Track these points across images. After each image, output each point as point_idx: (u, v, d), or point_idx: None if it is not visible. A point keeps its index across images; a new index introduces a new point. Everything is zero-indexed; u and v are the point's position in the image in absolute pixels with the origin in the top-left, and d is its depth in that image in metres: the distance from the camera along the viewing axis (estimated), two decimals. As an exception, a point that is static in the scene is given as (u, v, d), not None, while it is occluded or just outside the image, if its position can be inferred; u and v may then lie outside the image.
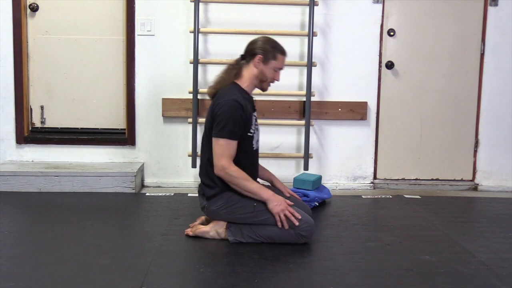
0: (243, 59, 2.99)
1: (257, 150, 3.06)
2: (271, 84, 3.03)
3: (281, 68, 3.00)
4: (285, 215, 2.81)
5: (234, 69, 2.99)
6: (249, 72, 2.97)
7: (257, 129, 3.05)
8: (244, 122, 2.87)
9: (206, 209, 2.96)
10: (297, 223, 2.80)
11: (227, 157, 2.81)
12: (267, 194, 2.84)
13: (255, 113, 3.03)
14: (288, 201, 2.87)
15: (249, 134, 2.93)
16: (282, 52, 2.99)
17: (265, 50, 2.93)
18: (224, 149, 2.81)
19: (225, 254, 2.74)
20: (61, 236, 2.97)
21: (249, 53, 2.97)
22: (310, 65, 4.01)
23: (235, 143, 2.84)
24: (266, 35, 3.11)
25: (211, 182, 2.92)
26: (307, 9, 4.04)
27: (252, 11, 4.09)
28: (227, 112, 2.81)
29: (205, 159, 2.97)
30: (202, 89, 4.07)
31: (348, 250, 2.86)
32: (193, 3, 3.94)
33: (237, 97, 2.86)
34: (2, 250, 2.72)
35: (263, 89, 3.04)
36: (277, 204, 2.81)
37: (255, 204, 2.85)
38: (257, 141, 3.04)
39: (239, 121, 2.83)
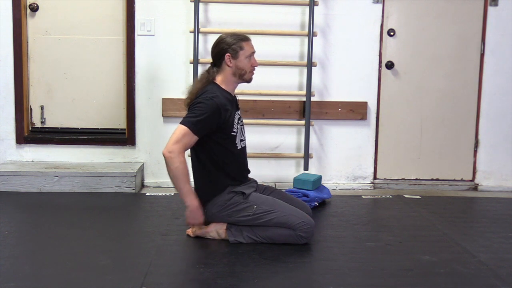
0: (214, 67, 2.97)
1: (243, 149, 3.04)
2: (253, 72, 2.99)
3: (253, 53, 2.96)
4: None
5: (206, 78, 2.96)
6: (225, 74, 2.94)
7: (242, 128, 3.03)
8: (215, 125, 2.83)
9: (206, 213, 2.96)
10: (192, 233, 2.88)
11: (182, 145, 2.75)
12: (190, 202, 2.79)
13: (238, 112, 3.02)
14: (200, 221, 2.85)
15: (232, 133, 2.92)
16: (244, 38, 2.95)
17: (229, 46, 2.91)
18: (182, 137, 2.75)
19: (225, 254, 2.74)
20: (61, 236, 2.97)
21: (217, 57, 2.94)
22: (310, 65, 4.01)
23: (194, 138, 2.78)
24: (229, 32, 3.07)
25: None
26: (307, 9, 4.04)
27: (252, 11, 4.09)
28: (203, 108, 2.78)
29: (196, 164, 2.96)
30: (202, 89, 4.08)
31: (348, 250, 2.86)
32: (193, 3, 3.94)
33: (218, 97, 2.83)
34: (2, 250, 2.72)
35: (247, 80, 2.99)
36: (193, 217, 2.81)
37: (255, 206, 2.85)
38: (242, 140, 3.02)
39: (209, 121, 2.79)
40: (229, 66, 2.92)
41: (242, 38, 2.94)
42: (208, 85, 2.92)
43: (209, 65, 3.02)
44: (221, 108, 2.82)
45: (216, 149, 2.89)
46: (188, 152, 2.92)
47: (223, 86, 2.94)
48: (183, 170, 2.75)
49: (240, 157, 3.01)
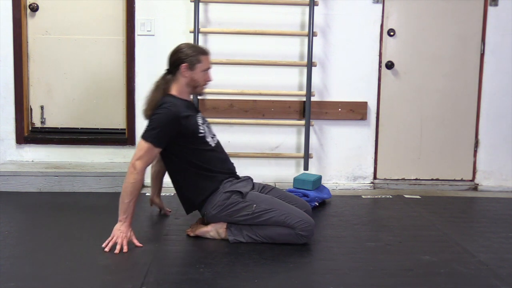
0: (169, 74, 2.99)
1: (218, 144, 3.07)
2: (205, 86, 3.04)
3: (209, 68, 3.00)
4: (117, 243, 2.74)
5: (163, 85, 2.99)
6: (179, 84, 2.97)
7: (208, 127, 3.06)
8: (176, 133, 2.86)
9: (205, 215, 2.96)
10: (123, 249, 2.72)
11: (144, 162, 2.82)
12: (122, 218, 2.79)
13: (199, 114, 3.05)
14: (127, 238, 2.77)
15: (199, 135, 2.94)
16: (204, 52, 2.99)
17: (188, 57, 2.93)
18: (144, 153, 2.81)
19: (225, 254, 2.74)
20: (61, 236, 2.97)
21: (173, 65, 2.97)
22: (310, 65, 4.01)
23: (157, 151, 2.85)
24: (189, 43, 3.10)
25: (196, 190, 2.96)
26: (307, 9, 4.04)
27: (252, 11, 4.09)
28: (160, 119, 2.83)
29: (176, 174, 3.01)
30: (202, 89, 4.08)
31: (348, 250, 2.86)
32: (193, 3, 3.94)
33: (174, 106, 2.87)
34: (2, 250, 2.72)
35: (199, 93, 3.06)
36: (120, 231, 2.76)
37: (254, 205, 2.86)
38: (213, 137, 3.06)
39: (169, 130, 2.84)
40: (184, 76, 2.95)
41: (201, 52, 2.98)
42: (164, 96, 2.95)
43: (164, 72, 3.05)
44: (179, 115, 2.86)
45: (191, 153, 2.92)
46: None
47: (178, 96, 2.98)
48: (135, 188, 2.81)
49: (217, 152, 3.04)
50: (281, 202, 2.94)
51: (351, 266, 2.63)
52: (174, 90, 2.97)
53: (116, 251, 2.70)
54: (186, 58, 2.93)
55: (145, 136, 2.83)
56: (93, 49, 4.21)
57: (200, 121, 2.99)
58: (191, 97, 3.08)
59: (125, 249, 2.72)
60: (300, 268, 2.62)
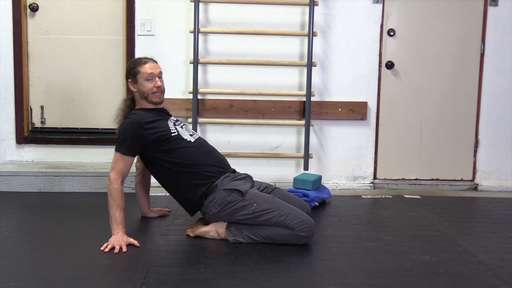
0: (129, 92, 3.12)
1: (199, 139, 3.10)
2: (158, 93, 3.05)
3: (151, 74, 3.01)
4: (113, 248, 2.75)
5: (128, 99, 3.12)
6: (136, 98, 3.08)
7: (182, 127, 3.09)
8: (144, 139, 2.91)
9: (207, 214, 2.96)
10: (122, 249, 2.73)
11: (117, 172, 2.88)
12: (115, 230, 2.81)
13: (171, 118, 3.11)
14: (125, 242, 2.76)
15: (172, 135, 2.97)
16: (141, 62, 3.04)
17: (129, 72, 3.04)
18: (115, 163, 2.90)
19: (225, 254, 2.74)
20: (61, 236, 2.97)
21: (126, 84, 3.10)
22: (310, 65, 4.01)
23: (129, 159, 2.91)
24: (133, 59, 3.17)
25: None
26: (307, 9, 4.04)
27: (252, 11, 4.10)
28: (125, 130, 2.93)
29: (168, 182, 3.05)
30: (202, 89, 4.08)
31: (348, 250, 2.86)
32: (193, 3, 3.94)
33: (135, 115, 2.97)
34: (2, 250, 2.72)
35: (155, 102, 3.06)
36: (115, 240, 2.76)
37: (254, 204, 2.85)
38: (191, 135, 3.08)
39: (135, 138, 2.90)
40: (133, 90, 3.05)
41: (138, 62, 3.05)
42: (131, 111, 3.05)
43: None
44: (141, 122, 2.93)
45: (171, 154, 2.95)
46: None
47: (142, 107, 3.06)
48: (115, 197, 2.84)
49: (199, 146, 3.05)
50: (281, 202, 2.93)
51: (351, 266, 2.63)
52: (137, 105, 3.08)
53: (116, 251, 2.71)
54: (129, 74, 3.04)
55: (115, 148, 2.93)
56: (93, 49, 4.21)
57: (170, 123, 3.04)
58: (163, 105, 3.12)
59: (124, 249, 2.73)
60: (300, 268, 2.62)
